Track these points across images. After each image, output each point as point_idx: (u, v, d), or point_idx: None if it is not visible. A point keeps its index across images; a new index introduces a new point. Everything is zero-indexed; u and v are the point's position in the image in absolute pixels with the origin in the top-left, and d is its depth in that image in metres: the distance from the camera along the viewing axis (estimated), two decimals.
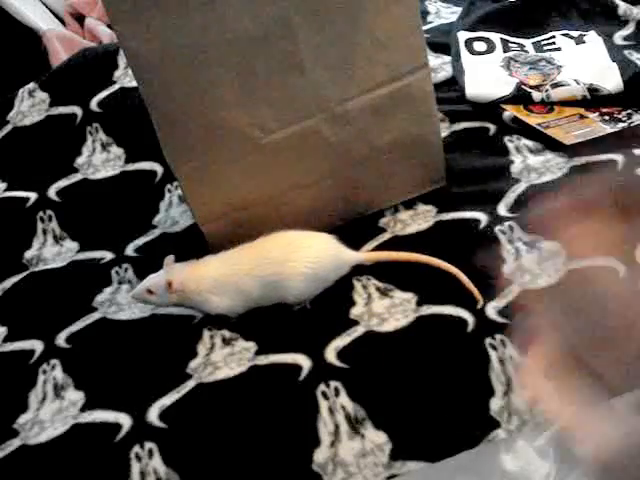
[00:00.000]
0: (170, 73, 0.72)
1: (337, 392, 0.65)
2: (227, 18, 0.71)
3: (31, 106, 1.13)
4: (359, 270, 0.77)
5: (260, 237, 0.76)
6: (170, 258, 0.76)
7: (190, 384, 0.69)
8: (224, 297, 0.74)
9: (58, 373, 0.76)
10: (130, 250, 0.93)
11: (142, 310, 0.81)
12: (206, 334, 0.75)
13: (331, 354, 0.69)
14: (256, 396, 0.67)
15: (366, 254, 0.79)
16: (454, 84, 1.03)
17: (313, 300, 0.76)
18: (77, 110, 1.11)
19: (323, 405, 0.64)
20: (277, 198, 0.81)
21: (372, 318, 0.71)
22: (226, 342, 0.74)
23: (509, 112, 0.94)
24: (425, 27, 1.17)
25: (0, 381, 0.78)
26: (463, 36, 1.10)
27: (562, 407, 0.35)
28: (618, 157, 0.82)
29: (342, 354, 0.68)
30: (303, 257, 0.74)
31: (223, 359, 0.71)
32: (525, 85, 0.97)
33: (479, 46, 1.08)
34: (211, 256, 0.77)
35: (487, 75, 1.01)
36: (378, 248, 0.80)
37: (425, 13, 1.25)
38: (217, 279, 0.74)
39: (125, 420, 0.68)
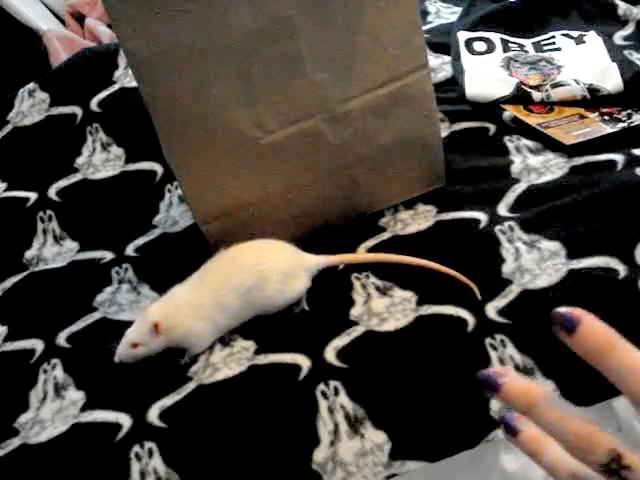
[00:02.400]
0: (170, 73, 0.72)
1: (337, 392, 0.65)
2: (227, 18, 0.71)
3: (31, 106, 1.14)
4: (358, 268, 0.77)
5: (217, 254, 0.76)
6: (147, 304, 0.74)
7: (190, 386, 0.69)
8: (207, 320, 0.73)
9: (59, 373, 0.76)
10: (130, 250, 0.93)
11: (143, 311, 0.81)
12: None
13: (330, 354, 0.69)
14: (255, 396, 0.67)
15: (328, 257, 0.78)
16: (454, 84, 1.03)
17: (312, 300, 0.76)
18: (77, 110, 1.11)
19: (323, 405, 0.65)
20: (277, 198, 0.81)
21: (372, 318, 0.72)
22: (225, 343, 0.74)
23: (509, 112, 0.94)
24: (425, 27, 1.17)
25: (1, 380, 0.78)
26: (463, 36, 1.10)
27: None
28: (618, 157, 0.82)
29: (341, 354, 0.68)
30: (275, 261, 0.74)
31: (222, 360, 0.71)
32: (525, 85, 0.97)
33: (479, 46, 1.08)
34: (180, 284, 0.75)
35: (487, 75, 1.01)
36: (377, 247, 0.80)
37: (425, 13, 1.25)
38: (194, 302, 0.73)
39: (125, 420, 0.68)
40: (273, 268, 0.74)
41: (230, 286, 0.73)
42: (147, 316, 0.72)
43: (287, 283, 0.74)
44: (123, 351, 0.72)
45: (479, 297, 0.70)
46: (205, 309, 0.72)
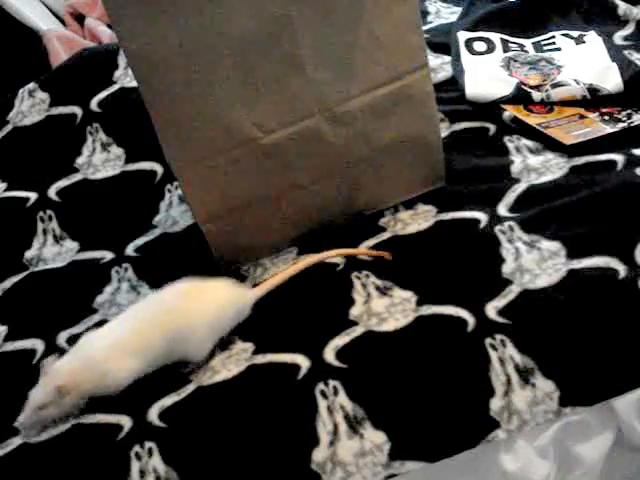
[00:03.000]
0: (170, 73, 0.72)
1: (336, 392, 0.65)
2: (227, 18, 0.71)
3: (31, 106, 1.14)
4: (358, 267, 0.77)
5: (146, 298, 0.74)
6: (49, 359, 0.69)
7: (190, 387, 0.69)
8: (123, 365, 0.68)
9: None
10: (130, 250, 0.93)
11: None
12: None
13: (330, 354, 0.69)
14: (255, 396, 0.67)
15: (261, 287, 0.75)
16: (454, 84, 1.03)
17: (312, 299, 0.76)
18: (77, 110, 1.11)
19: (322, 405, 0.64)
20: (277, 198, 0.81)
21: (371, 318, 0.71)
22: (223, 347, 0.73)
23: (509, 112, 0.94)
24: (425, 27, 1.17)
25: (1, 380, 0.78)
26: (463, 36, 1.10)
27: None
28: (618, 157, 0.82)
29: (341, 354, 0.68)
30: (205, 307, 0.71)
31: (221, 362, 0.71)
32: (525, 85, 0.97)
33: (479, 46, 1.08)
34: (96, 329, 0.72)
35: (487, 75, 1.01)
36: (377, 247, 0.80)
37: (425, 13, 1.25)
38: (112, 345, 0.68)
39: (126, 421, 0.68)
40: (201, 316, 0.70)
41: (154, 332, 0.69)
42: (51, 378, 0.66)
43: (213, 331, 0.71)
44: (28, 418, 0.67)
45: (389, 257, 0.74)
46: (123, 354, 0.68)
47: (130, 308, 0.73)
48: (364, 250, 0.77)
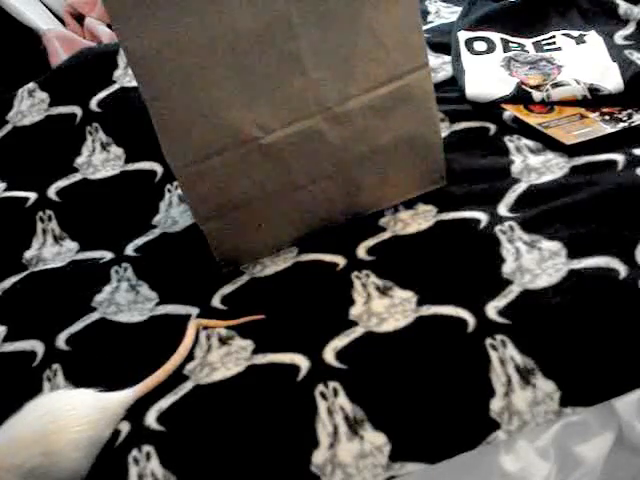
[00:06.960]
0: (170, 73, 0.72)
1: (336, 393, 0.65)
2: (227, 18, 0.71)
3: (31, 106, 1.13)
4: (358, 266, 0.77)
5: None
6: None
7: (187, 386, 0.69)
8: None
9: (60, 380, 0.75)
10: (130, 250, 0.93)
11: (141, 313, 0.81)
12: (202, 334, 0.75)
13: (330, 354, 0.68)
14: (254, 397, 0.67)
15: (136, 389, 0.69)
16: (454, 84, 1.02)
17: (312, 299, 0.75)
18: (77, 110, 1.11)
19: (322, 406, 0.64)
20: (277, 197, 0.81)
21: (371, 318, 0.71)
22: (223, 342, 0.74)
23: (509, 112, 0.94)
24: (425, 27, 1.17)
25: (3, 385, 0.78)
26: (463, 36, 1.10)
27: None
28: (618, 157, 0.82)
29: (341, 354, 0.68)
30: (68, 424, 0.62)
31: (220, 359, 0.71)
32: (525, 85, 0.97)
33: (479, 46, 1.08)
34: None
35: (487, 75, 1.01)
36: (377, 246, 0.80)
37: (425, 13, 1.25)
38: None
39: (124, 425, 0.67)
40: (68, 437, 0.62)
41: (9, 468, 0.60)
42: None
43: (88, 451, 0.64)
44: None
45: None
46: None
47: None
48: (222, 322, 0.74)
